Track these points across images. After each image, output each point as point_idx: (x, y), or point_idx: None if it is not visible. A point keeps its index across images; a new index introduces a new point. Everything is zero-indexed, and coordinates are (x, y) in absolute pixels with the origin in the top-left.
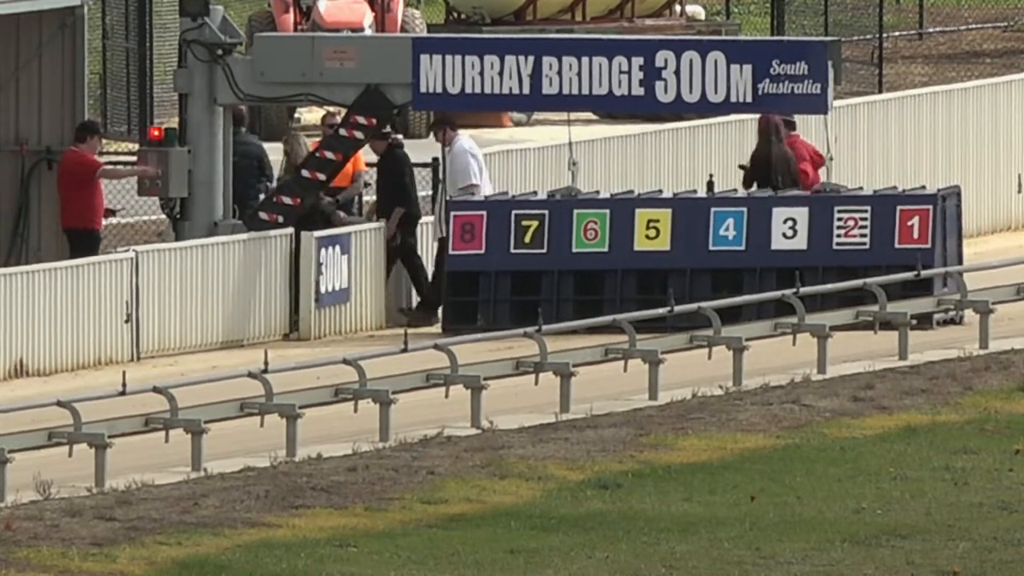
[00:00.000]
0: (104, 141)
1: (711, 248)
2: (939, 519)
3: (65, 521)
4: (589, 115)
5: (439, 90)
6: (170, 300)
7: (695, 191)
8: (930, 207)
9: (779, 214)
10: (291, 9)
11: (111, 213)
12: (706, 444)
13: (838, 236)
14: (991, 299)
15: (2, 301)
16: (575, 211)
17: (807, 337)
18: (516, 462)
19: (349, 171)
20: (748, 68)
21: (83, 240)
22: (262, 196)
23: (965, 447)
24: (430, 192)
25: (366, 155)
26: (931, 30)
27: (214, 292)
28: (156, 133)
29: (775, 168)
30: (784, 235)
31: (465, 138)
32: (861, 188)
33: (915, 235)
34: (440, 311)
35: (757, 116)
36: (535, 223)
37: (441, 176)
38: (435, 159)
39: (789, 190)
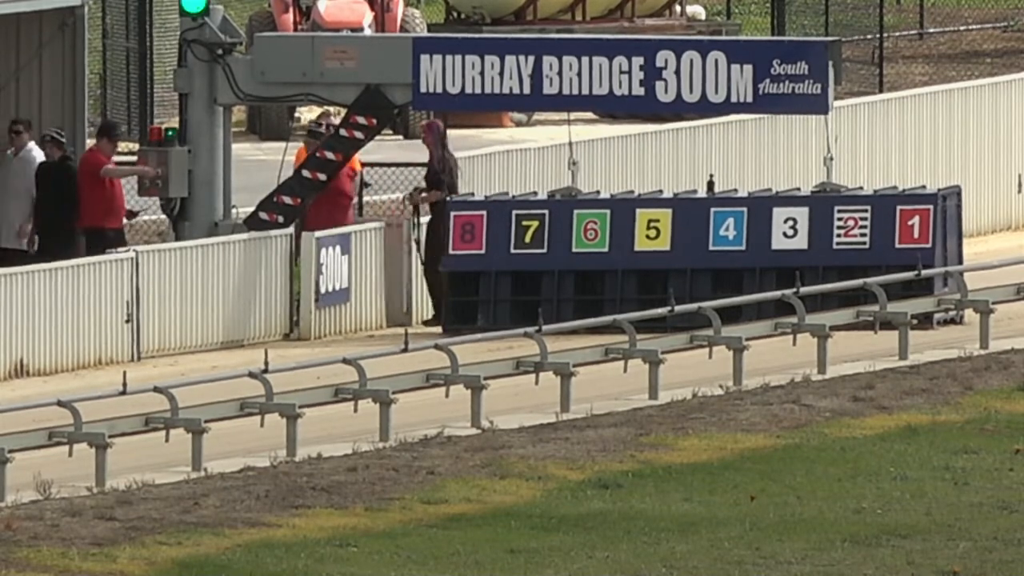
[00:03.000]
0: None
1: (711, 248)
2: (939, 519)
3: (65, 521)
4: (589, 115)
5: (439, 90)
6: (170, 300)
7: (695, 191)
8: (930, 207)
9: (779, 214)
10: (291, 9)
11: (133, 215)
12: (706, 444)
13: (838, 236)
14: (991, 299)
15: (2, 301)
16: (575, 211)
17: (807, 337)
18: (516, 462)
19: (348, 171)
20: (748, 68)
21: (95, 239)
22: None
23: (965, 447)
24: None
25: (362, 155)
26: (931, 30)
27: (214, 292)
28: (157, 133)
29: (452, 172)
30: (784, 235)
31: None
32: (861, 188)
33: (915, 235)
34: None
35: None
36: (535, 223)
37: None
38: None
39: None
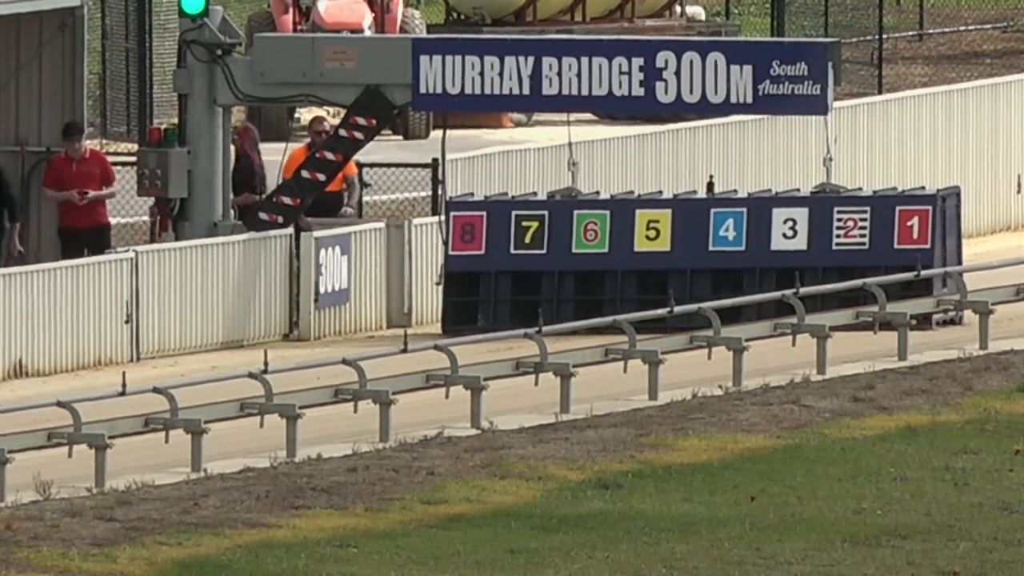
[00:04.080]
0: (104, 141)
1: (711, 248)
2: (939, 519)
3: (65, 521)
4: (589, 116)
5: (439, 91)
6: (170, 300)
7: (695, 191)
8: (930, 207)
9: (779, 214)
10: (291, 9)
11: (84, 194)
12: (706, 444)
13: (838, 236)
14: (991, 299)
15: (2, 301)
16: (575, 212)
17: (807, 337)
18: (516, 462)
19: (340, 175)
20: (748, 69)
21: (69, 239)
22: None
23: (965, 447)
24: (429, 193)
25: (361, 155)
26: (931, 31)
27: (214, 292)
28: (157, 133)
29: (259, 175)
30: (784, 235)
31: None
32: (861, 188)
33: (915, 235)
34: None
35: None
36: (535, 224)
37: (441, 177)
38: (435, 159)
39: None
